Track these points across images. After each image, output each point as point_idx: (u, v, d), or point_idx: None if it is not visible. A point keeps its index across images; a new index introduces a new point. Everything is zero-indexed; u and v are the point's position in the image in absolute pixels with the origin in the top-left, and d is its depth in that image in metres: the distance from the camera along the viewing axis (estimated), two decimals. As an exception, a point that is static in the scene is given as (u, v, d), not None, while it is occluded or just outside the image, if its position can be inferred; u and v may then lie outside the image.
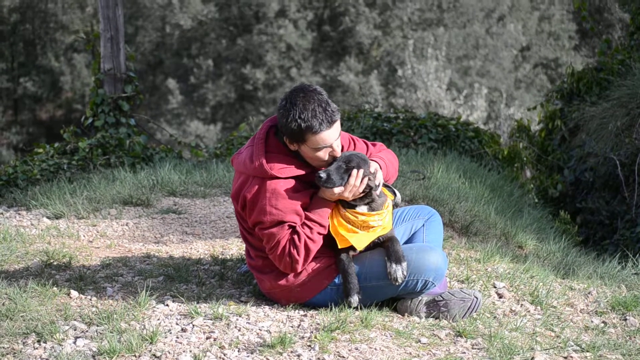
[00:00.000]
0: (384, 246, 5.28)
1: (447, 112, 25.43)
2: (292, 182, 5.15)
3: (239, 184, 5.25)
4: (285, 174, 5.12)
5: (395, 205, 5.59)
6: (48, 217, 7.61)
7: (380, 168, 5.35)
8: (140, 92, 11.86)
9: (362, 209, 5.23)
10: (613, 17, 20.22)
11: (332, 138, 5.09)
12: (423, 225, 5.82)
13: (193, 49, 34.73)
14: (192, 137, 30.42)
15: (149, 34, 34.84)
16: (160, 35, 35.18)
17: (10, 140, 32.15)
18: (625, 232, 10.93)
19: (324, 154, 5.14)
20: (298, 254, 5.12)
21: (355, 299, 5.22)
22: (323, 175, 5.07)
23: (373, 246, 5.32)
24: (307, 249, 5.14)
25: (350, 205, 5.23)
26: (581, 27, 31.92)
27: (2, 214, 7.93)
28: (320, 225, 5.16)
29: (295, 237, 5.13)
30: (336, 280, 5.30)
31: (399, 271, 5.14)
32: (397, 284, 5.17)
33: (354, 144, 5.54)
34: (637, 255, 7.87)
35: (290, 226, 5.14)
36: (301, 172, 5.20)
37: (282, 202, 5.10)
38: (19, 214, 7.84)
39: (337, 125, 5.11)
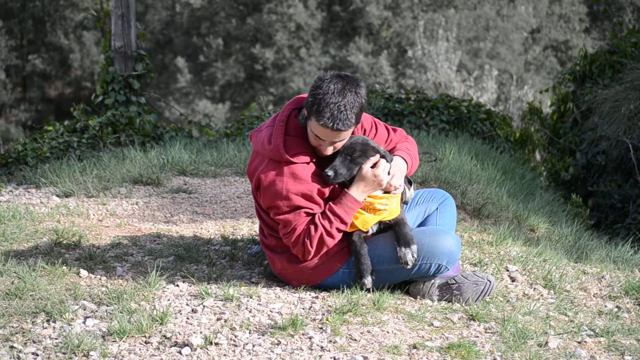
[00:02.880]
0: (393, 230, 5.23)
1: (457, 94, 25.27)
2: (309, 168, 5.10)
3: (256, 164, 5.20)
4: (301, 159, 5.07)
5: (404, 203, 5.53)
6: (58, 196, 7.56)
7: (406, 163, 5.32)
8: (151, 70, 11.78)
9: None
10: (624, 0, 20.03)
11: (328, 138, 4.99)
12: (437, 208, 5.77)
13: (203, 27, 34.67)
14: (200, 116, 30.40)
15: (158, 13, 34.80)
16: (170, 14, 35.14)
17: (19, 117, 32.16)
18: (637, 215, 10.87)
19: (314, 140, 5.06)
20: (311, 245, 5.08)
21: (368, 280, 5.18)
22: (330, 173, 5.01)
23: (384, 229, 5.27)
24: (322, 242, 5.09)
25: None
26: (592, 10, 31.79)
27: (11, 191, 7.89)
28: (342, 221, 5.09)
29: (312, 227, 5.07)
30: (348, 264, 5.26)
31: (408, 254, 5.09)
32: (407, 267, 5.12)
33: (376, 129, 5.45)
34: (650, 239, 7.81)
35: (307, 213, 5.09)
36: (317, 157, 5.16)
37: (298, 187, 5.04)
38: (29, 192, 7.79)
39: (341, 135, 4.98)
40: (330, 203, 5.13)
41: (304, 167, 5.08)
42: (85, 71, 33.91)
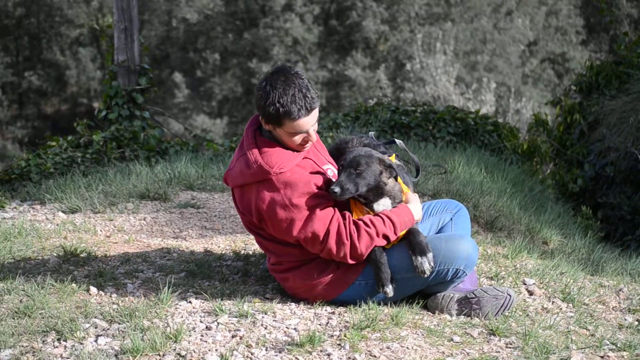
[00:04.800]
0: (407, 239, 5.11)
1: (457, 107, 25.34)
2: (298, 170, 5.00)
3: (246, 198, 5.07)
4: (286, 166, 4.96)
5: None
6: (63, 212, 7.46)
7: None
8: (154, 85, 11.71)
9: (378, 206, 5.08)
10: (621, 12, 20.05)
11: (309, 124, 4.94)
12: (451, 219, 5.69)
13: (199, 42, 34.65)
14: (198, 131, 30.33)
15: (155, 28, 34.78)
16: (166, 29, 35.12)
17: (16, 134, 32.10)
18: (648, 228, 10.80)
19: (298, 139, 4.98)
20: (359, 239, 4.95)
21: (390, 288, 5.05)
22: (337, 189, 4.88)
23: (400, 239, 5.16)
24: (371, 239, 4.97)
25: (366, 203, 5.08)
26: (588, 22, 31.82)
27: (16, 208, 7.79)
28: (395, 231, 5.02)
29: (361, 223, 4.97)
30: (364, 275, 5.14)
31: (425, 263, 4.98)
32: (425, 276, 5.01)
33: None
34: (663, 252, 7.72)
35: (322, 209, 4.95)
36: (300, 157, 5.05)
37: (297, 191, 4.92)
38: (33, 208, 7.69)
39: (316, 112, 4.96)
40: (386, 210, 5.04)
41: (292, 171, 4.96)
42: (81, 87, 33.88)
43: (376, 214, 5.03)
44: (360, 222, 4.96)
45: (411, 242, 5.05)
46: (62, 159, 10.28)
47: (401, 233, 5.06)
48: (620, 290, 5.96)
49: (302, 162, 5.06)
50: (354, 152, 5.06)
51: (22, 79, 33.44)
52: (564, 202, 11.53)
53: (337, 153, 5.41)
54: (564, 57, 33.09)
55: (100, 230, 6.85)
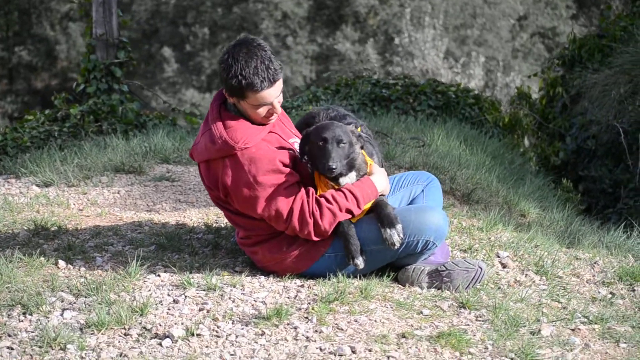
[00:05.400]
0: (374, 211, 5.07)
1: (444, 81, 25.26)
2: (263, 145, 4.94)
3: (212, 174, 5.02)
4: (251, 141, 4.90)
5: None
6: (37, 185, 7.39)
7: None
8: (133, 59, 11.61)
9: (344, 179, 5.03)
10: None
11: (273, 96, 4.89)
12: (422, 191, 5.66)
13: (189, 17, 34.46)
14: (187, 105, 30.24)
15: (144, 3, 34.60)
16: (155, 4, 34.93)
17: (6, 109, 31.97)
18: (629, 200, 10.78)
19: (263, 111, 4.93)
20: (321, 217, 4.92)
21: (360, 260, 5.01)
22: (334, 165, 4.85)
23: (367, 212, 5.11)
24: (333, 215, 4.94)
25: (334, 178, 5.03)
26: (578, -4, 31.78)
27: (-10, 182, 7.71)
28: (358, 204, 4.98)
29: (323, 200, 4.93)
30: (333, 247, 5.09)
31: (394, 235, 4.94)
32: (395, 248, 4.97)
33: None
34: (642, 224, 7.68)
35: (288, 188, 4.91)
36: (265, 131, 4.99)
37: (262, 167, 4.88)
38: (8, 182, 7.62)
39: (280, 83, 4.92)
40: (349, 184, 4.99)
41: (257, 147, 4.91)
42: (71, 62, 33.68)
43: (339, 189, 4.99)
44: (322, 199, 4.92)
45: (379, 215, 5.01)
46: (39, 133, 10.19)
47: (366, 206, 5.02)
48: (595, 263, 5.91)
49: (267, 136, 5.01)
50: (327, 125, 5.01)
51: (12, 54, 33.27)
52: (544, 175, 11.46)
53: (306, 127, 5.35)
54: (554, 31, 32.98)
55: (74, 204, 6.79)
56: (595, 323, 4.82)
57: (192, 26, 34.34)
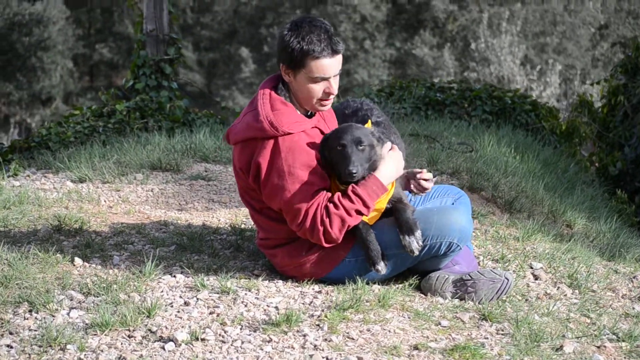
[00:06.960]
0: (394, 216, 4.89)
1: (519, 87, 25.08)
2: (305, 137, 4.80)
3: (246, 153, 4.83)
4: (297, 128, 4.74)
5: None
6: (72, 181, 7.33)
7: None
8: (183, 55, 11.54)
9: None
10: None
11: (332, 71, 4.75)
12: (452, 204, 5.45)
13: (268, 18, 34.62)
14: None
15: (224, 3, 34.91)
16: (235, 4, 35.20)
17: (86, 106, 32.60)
18: (684, 215, 10.42)
19: (319, 89, 4.77)
20: (331, 225, 4.72)
21: (382, 266, 4.85)
22: (354, 169, 4.67)
23: (388, 213, 4.92)
24: (343, 221, 4.73)
25: (344, 182, 4.83)
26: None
27: (28, 176, 7.66)
28: (364, 204, 4.75)
29: (331, 205, 4.73)
30: (353, 252, 4.93)
31: (413, 242, 4.77)
32: (414, 255, 4.79)
33: None
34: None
35: (315, 191, 4.74)
36: (310, 124, 4.85)
37: (299, 158, 4.72)
38: (45, 176, 7.57)
39: (340, 58, 4.79)
40: (353, 185, 4.79)
41: (300, 136, 4.75)
42: (152, 60, 34.17)
43: (344, 190, 4.81)
44: (331, 205, 4.73)
45: (398, 220, 4.83)
46: (83, 128, 10.15)
47: (379, 204, 4.83)
48: (634, 277, 5.65)
49: (310, 130, 4.85)
50: (346, 127, 4.84)
51: (93, 51, 33.84)
52: (600, 185, 11.13)
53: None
54: (635, 41, 32.49)
55: (104, 201, 6.71)
56: (624, 340, 4.58)
57: (270, 27, 34.54)
